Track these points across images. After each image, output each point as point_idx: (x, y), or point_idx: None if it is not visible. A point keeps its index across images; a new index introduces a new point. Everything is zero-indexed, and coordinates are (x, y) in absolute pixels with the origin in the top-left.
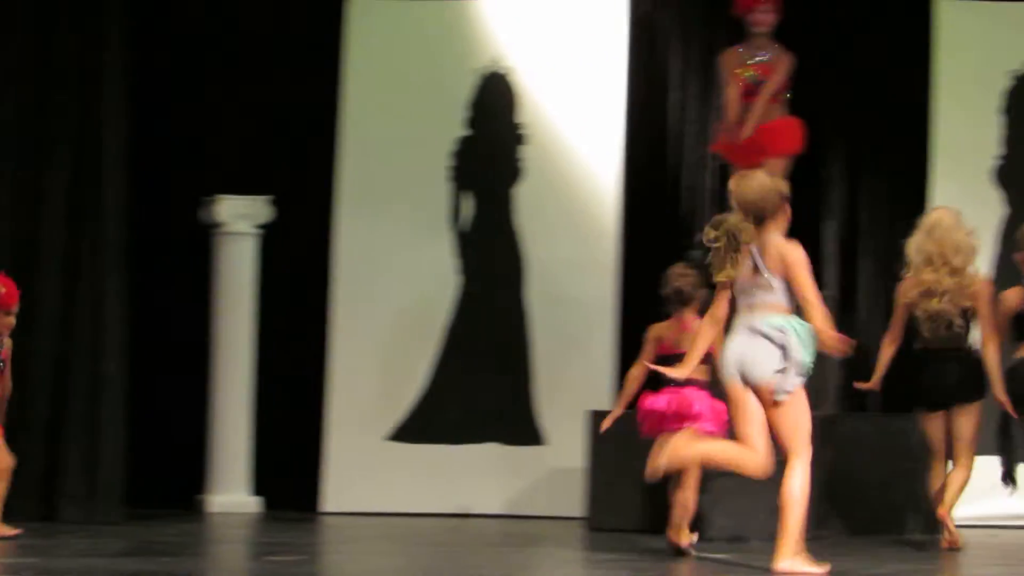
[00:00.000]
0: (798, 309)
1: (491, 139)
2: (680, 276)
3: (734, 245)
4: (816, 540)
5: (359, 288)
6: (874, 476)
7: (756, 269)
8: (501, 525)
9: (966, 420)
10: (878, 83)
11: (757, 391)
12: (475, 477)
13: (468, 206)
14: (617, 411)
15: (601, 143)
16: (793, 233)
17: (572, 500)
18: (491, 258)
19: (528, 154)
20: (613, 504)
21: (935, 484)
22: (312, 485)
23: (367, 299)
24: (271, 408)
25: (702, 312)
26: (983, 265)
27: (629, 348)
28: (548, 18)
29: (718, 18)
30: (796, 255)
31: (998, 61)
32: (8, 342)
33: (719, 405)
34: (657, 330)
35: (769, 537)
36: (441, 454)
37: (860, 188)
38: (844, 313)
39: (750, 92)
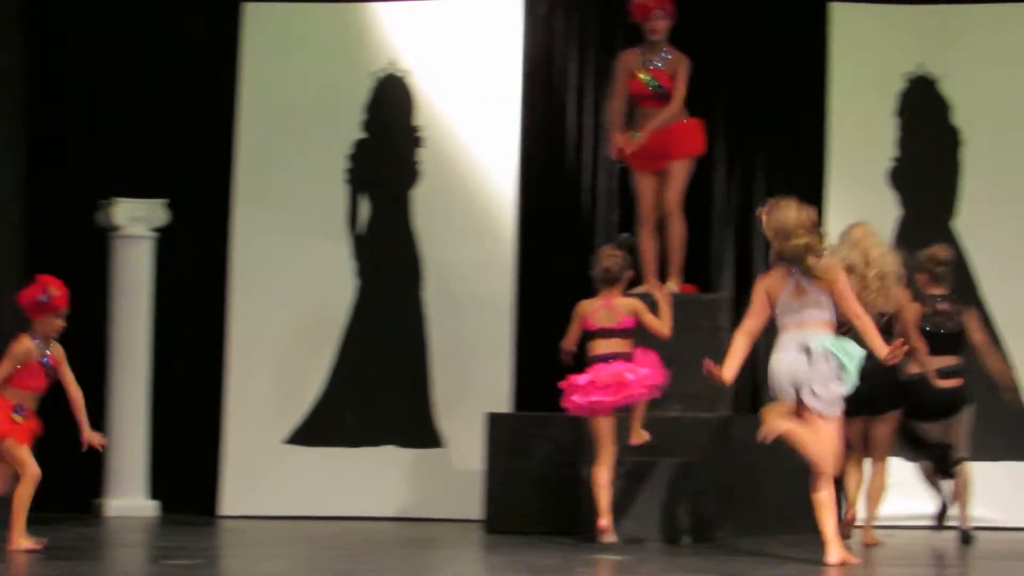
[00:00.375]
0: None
1: (388, 142)
2: (609, 256)
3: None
4: (712, 541)
5: (256, 291)
6: (770, 476)
7: (800, 287)
8: (400, 528)
9: (883, 427)
10: (774, 85)
11: (807, 405)
12: (373, 480)
13: (365, 208)
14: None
15: (498, 145)
16: (689, 233)
17: (470, 503)
18: (389, 260)
19: (425, 157)
20: (511, 506)
21: (850, 483)
22: (210, 489)
23: (264, 302)
24: (168, 412)
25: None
26: None
27: (527, 350)
28: (444, 21)
29: (614, 21)
30: (840, 273)
31: (893, 64)
32: (58, 347)
33: (646, 374)
34: (584, 307)
35: (666, 540)
36: (339, 457)
37: (756, 189)
38: (738, 315)
39: (647, 96)
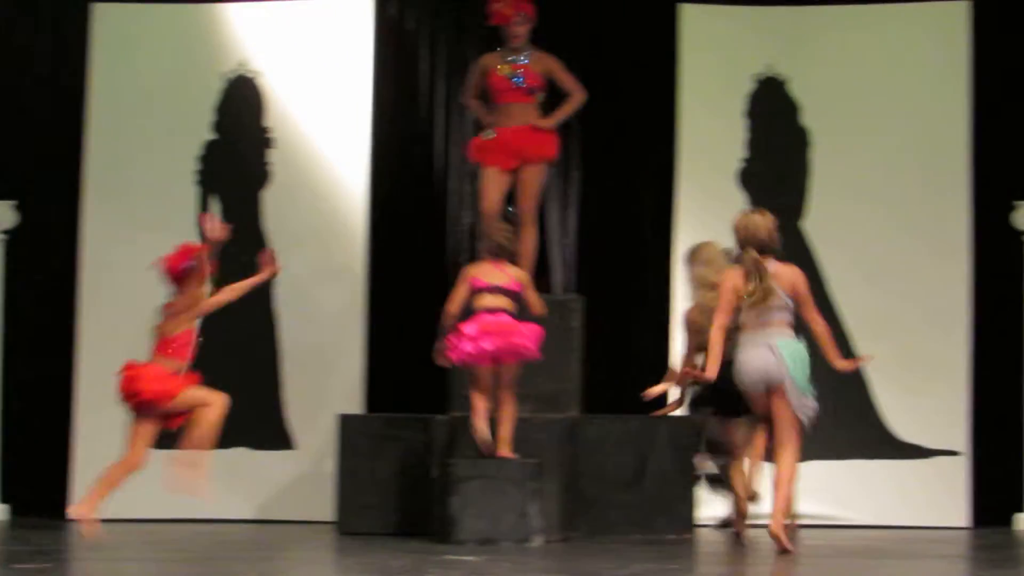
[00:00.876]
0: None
1: (238, 143)
2: (500, 231)
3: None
4: (564, 542)
5: (106, 292)
6: (620, 477)
7: (771, 291)
8: (252, 530)
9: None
10: (624, 87)
11: (780, 396)
12: (225, 482)
13: (215, 209)
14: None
15: (349, 147)
16: (542, 232)
17: (322, 504)
18: (239, 261)
19: (275, 158)
20: (362, 508)
21: (738, 482)
22: (61, 491)
23: (114, 303)
24: (18, 414)
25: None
26: None
27: (379, 352)
28: (295, 22)
29: (466, 24)
30: (804, 279)
31: (742, 65)
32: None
33: (530, 327)
34: (472, 268)
35: (518, 540)
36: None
37: (607, 189)
38: (590, 314)
39: (508, 90)
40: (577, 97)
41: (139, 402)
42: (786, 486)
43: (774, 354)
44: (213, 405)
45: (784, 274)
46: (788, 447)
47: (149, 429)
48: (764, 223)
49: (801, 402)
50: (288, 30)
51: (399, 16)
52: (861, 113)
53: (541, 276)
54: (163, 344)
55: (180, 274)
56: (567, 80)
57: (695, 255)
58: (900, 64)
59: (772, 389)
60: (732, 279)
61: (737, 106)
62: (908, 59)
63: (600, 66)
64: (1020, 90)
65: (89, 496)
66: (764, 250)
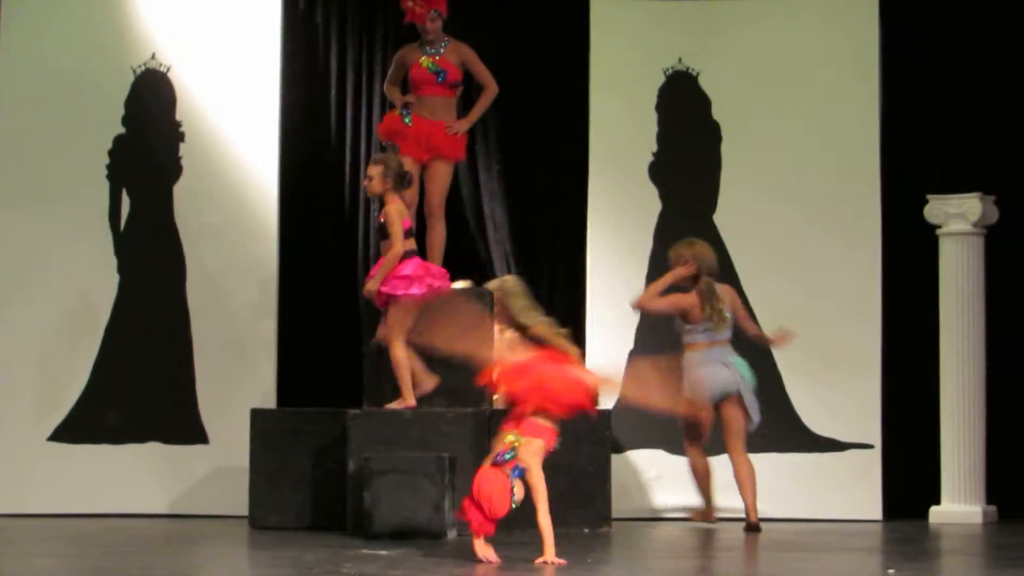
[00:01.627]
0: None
1: (149, 137)
2: (397, 160)
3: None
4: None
5: (15, 286)
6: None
7: (725, 318)
8: (166, 524)
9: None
10: (535, 79)
11: (734, 406)
12: (138, 477)
13: (127, 204)
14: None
15: (259, 141)
16: (456, 230)
17: (236, 499)
18: (151, 256)
19: (186, 151)
20: (275, 503)
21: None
22: None
23: (24, 299)
24: None
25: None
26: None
27: (291, 345)
28: (204, 16)
29: (375, 16)
30: (738, 297)
31: (653, 58)
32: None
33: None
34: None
35: (432, 533)
36: (104, 454)
37: (517, 185)
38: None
39: (429, 82)
40: (490, 91)
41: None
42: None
43: (730, 370)
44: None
45: (725, 294)
46: (743, 447)
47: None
48: (710, 251)
49: (754, 409)
50: (197, 23)
51: (307, 8)
52: (772, 107)
53: (460, 269)
54: None
55: None
56: (481, 72)
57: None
58: (810, 57)
59: (727, 400)
60: (686, 300)
61: (649, 99)
62: (818, 52)
63: (511, 59)
64: (931, 82)
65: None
66: (712, 276)
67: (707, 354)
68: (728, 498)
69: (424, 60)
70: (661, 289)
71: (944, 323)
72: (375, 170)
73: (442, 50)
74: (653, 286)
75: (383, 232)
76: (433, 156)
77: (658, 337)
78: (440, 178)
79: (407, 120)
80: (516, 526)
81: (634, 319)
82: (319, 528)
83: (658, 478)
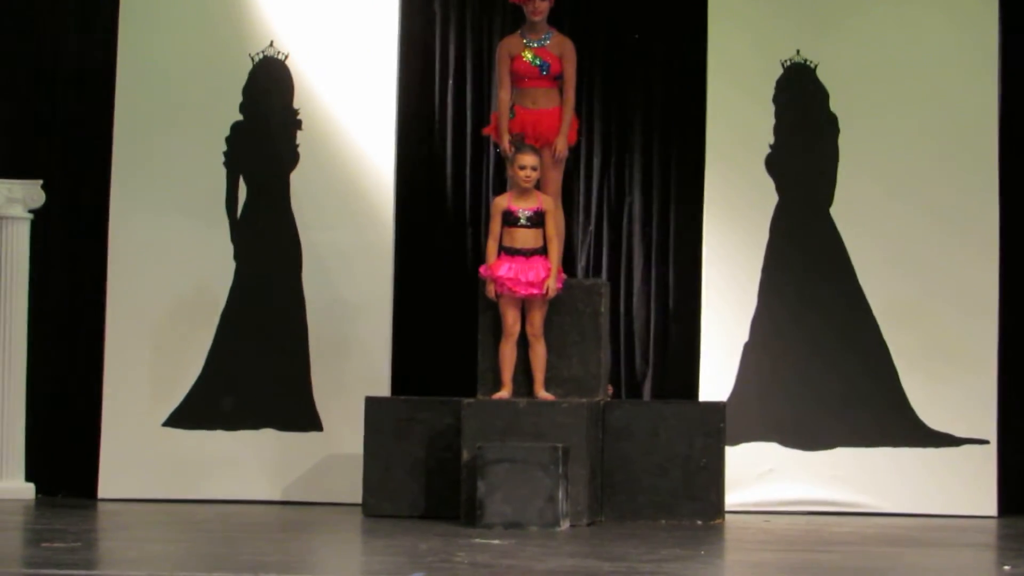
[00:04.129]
0: None
1: (266, 124)
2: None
3: None
4: (591, 527)
5: (133, 274)
6: (648, 462)
7: None
8: (279, 512)
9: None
10: (651, 70)
11: None
12: (252, 463)
13: (243, 191)
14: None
15: (376, 128)
16: (571, 218)
17: (349, 487)
18: (267, 244)
19: (303, 139)
20: (389, 491)
21: None
22: (89, 471)
23: (141, 285)
24: (46, 394)
25: None
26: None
27: (405, 334)
28: (321, 3)
29: (492, 4)
30: None
31: (770, 50)
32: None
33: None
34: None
35: (545, 524)
36: (218, 440)
37: (632, 177)
38: (616, 299)
39: (532, 75)
40: (569, 96)
41: None
42: None
43: None
44: None
45: None
46: None
47: None
48: None
49: None
50: (315, 10)
51: None
52: (890, 99)
53: (567, 260)
54: None
55: None
56: (570, 76)
57: None
58: (929, 49)
59: None
60: None
61: (766, 91)
62: (937, 44)
63: (626, 50)
64: None
65: None
66: None
67: None
68: (840, 492)
69: (527, 53)
70: None
71: None
72: (534, 159)
73: (546, 41)
74: None
75: (533, 221)
76: (543, 144)
77: (774, 328)
78: (550, 167)
79: (510, 117)
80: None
81: (750, 311)
82: (432, 517)
83: (771, 471)
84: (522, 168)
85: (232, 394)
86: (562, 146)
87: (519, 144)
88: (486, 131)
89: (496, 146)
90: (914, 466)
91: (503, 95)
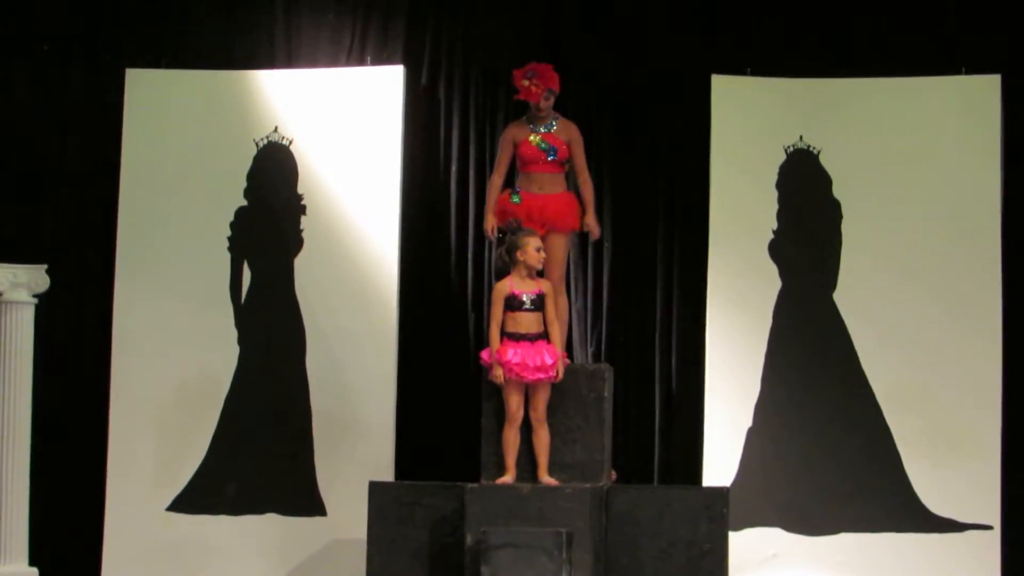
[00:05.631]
0: None
1: (270, 209)
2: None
3: None
4: None
5: (137, 358)
6: (651, 547)
7: None
8: None
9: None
10: (656, 155)
11: None
12: (256, 548)
13: (248, 276)
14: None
15: (379, 213)
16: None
17: (353, 572)
18: (271, 328)
19: (307, 224)
20: (393, 575)
21: None
22: (93, 555)
23: (146, 369)
24: (50, 478)
25: None
26: None
27: (409, 419)
28: (326, 90)
29: (496, 93)
30: None
31: (774, 136)
32: None
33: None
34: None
35: None
36: (221, 525)
37: (638, 259)
38: (619, 383)
39: (538, 160)
40: (589, 183)
41: None
42: None
43: None
44: None
45: None
46: None
47: None
48: None
49: None
50: (319, 97)
51: (430, 84)
52: (893, 186)
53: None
54: None
55: None
56: (580, 159)
57: None
58: (932, 136)
59: None
60: None
61: (769, 176)
62: (940, 132)
63: (632, 135)
64: None
65: None
66: None
67: None
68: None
69: (534, 138)
70: None
71: None
72: (538, 242)
73: (553, 127)
74: None
75: (536, 304)
76: (548, 230)
77: (777, 413)
78: (557, 251)
79: (515, 199)
80: None
81: (753, 396)
82: None
83: (775, 556)
84: (538, 250)
85: (236, 479)
86: (594, 225)
87: (519, 228)
88: (488, 233)
89: (500, 231)
90: (918, 552)
91: (495, 179)
